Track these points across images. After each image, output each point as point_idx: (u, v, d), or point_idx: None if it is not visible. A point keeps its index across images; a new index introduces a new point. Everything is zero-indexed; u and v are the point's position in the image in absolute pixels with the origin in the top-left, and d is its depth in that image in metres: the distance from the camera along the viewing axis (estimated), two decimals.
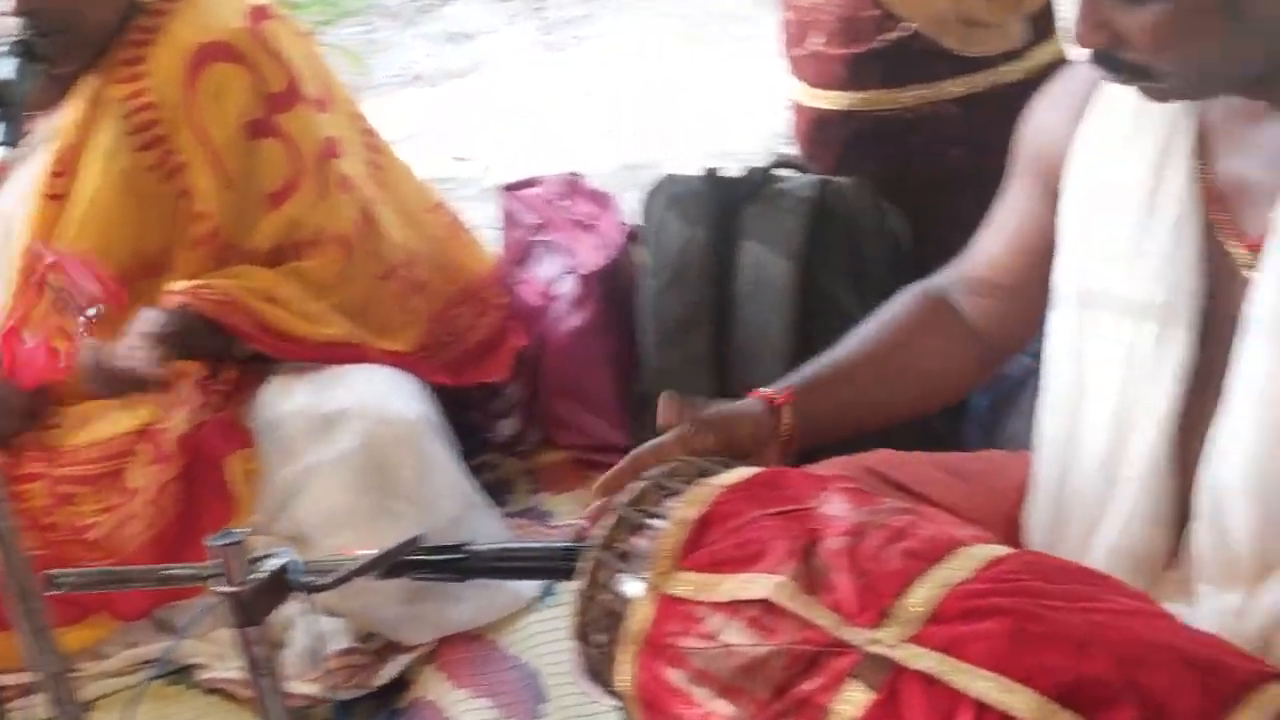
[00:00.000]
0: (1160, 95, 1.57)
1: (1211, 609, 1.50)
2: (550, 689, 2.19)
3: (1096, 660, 1.38)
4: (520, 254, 2.95)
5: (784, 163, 2.82)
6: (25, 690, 2.23)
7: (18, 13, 2.42)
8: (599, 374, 2.75)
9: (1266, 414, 1.50)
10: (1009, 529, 1.66)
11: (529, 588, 2.39)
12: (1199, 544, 1.53)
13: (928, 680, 1.42)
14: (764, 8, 4.10)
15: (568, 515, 2.58)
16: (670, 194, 2.74)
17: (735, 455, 1.74)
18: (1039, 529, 1.70)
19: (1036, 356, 1.76)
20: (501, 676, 2.24)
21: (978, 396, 2.40)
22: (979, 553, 1.52)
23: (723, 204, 2.68)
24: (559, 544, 1.79)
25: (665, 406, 1.77)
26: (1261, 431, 1.50)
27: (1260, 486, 1.50)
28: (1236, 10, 1.47)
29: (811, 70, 2.81)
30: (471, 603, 2.42)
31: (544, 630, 2.32)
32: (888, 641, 1.44)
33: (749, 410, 1.79)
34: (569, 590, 2.27)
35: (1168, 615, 1.46)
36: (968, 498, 1.78)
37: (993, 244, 1.84)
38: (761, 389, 1.82)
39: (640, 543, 1.63)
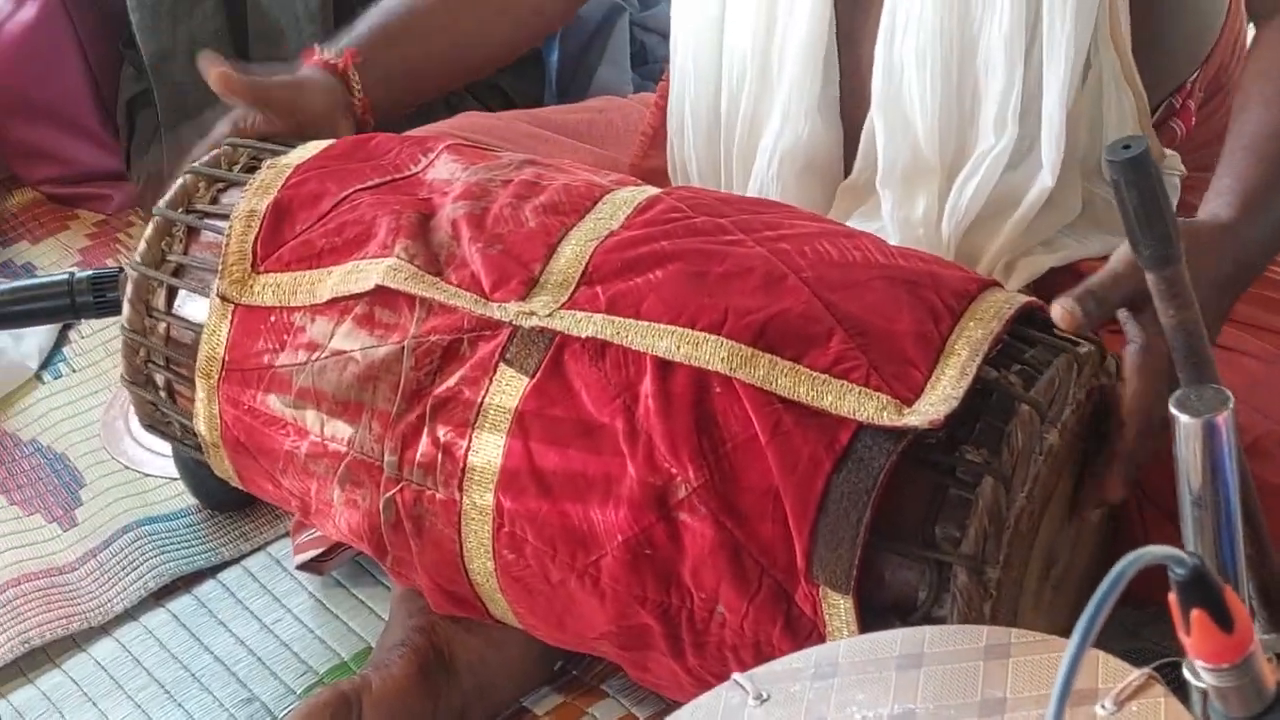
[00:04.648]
0: None
1: (899, 220, 1.43)
2: (83, 470, 1.95)
3: (790, 293, 1.31)
4: None
5: None
6: None
7: None
8: (67, 80, 2.36)
9: None
10: (647, 178, 1.52)
11: (29, 355, 2.11)
12: (877, 140, 1.46)
13: (597, 348, 1.31)
14: None
15: (57, 265, 2.29)
16: None
17: (303, 137, 1.54)
18: (689, 165, 1.57)
19: None
20: (18, 466, 1.98)
21: (547, 53, 2.25)
22: (627, 196, 1.42)
23: None
24: (62, 276, 1.63)
25: (215, 76, 1.54)
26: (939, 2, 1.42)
27: (941, 64, 1.43)
28: None
29: None
30: None
31: (59, 404, 2.07)
32: (541, 313, 1.32)
33: (314, 79, 1.59)
34: (82, 352, 2.05)
35: (860, 234, 1.39)
36: (582, 151, 1.64)
37: None
38: (316, 54, 1.62)
39: (200, 252, 1.45)
